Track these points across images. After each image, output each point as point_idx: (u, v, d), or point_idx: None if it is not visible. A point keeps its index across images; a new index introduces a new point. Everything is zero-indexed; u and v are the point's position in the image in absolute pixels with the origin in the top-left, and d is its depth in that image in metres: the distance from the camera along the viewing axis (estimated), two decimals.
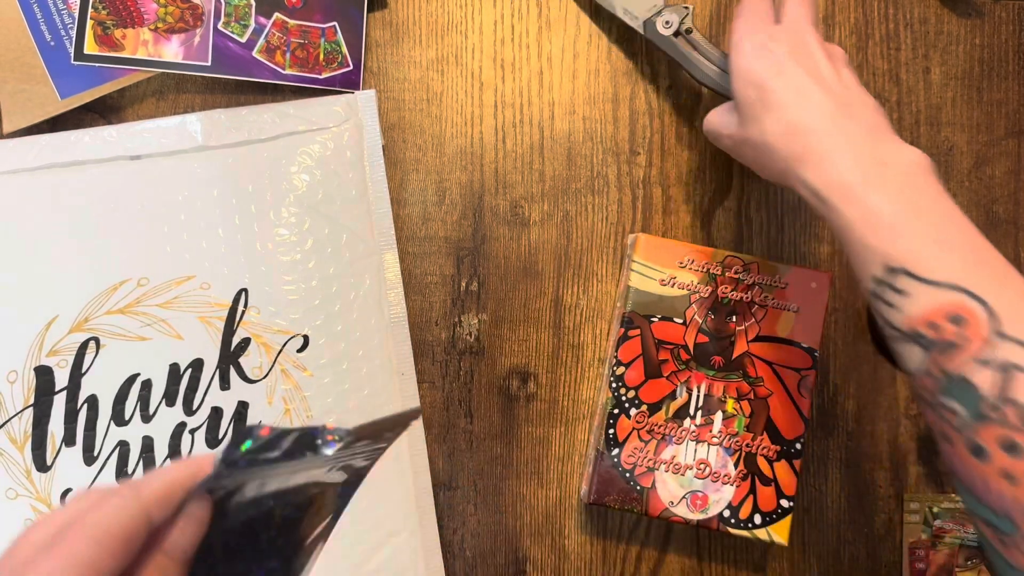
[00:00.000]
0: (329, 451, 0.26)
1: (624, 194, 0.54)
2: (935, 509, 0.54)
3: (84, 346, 0.48)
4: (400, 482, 0.50)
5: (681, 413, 0.50)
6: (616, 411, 0.50)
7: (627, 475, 0.49)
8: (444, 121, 0.54)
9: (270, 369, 0.49)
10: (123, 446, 0.48)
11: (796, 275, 0.51)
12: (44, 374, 0.48)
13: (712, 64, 0.49)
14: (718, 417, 0.50)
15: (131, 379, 0.48)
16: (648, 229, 0.54)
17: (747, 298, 0.50)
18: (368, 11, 0.52)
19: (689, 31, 0.49)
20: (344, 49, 0.52)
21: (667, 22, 0.49)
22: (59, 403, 0.48)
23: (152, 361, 0.48)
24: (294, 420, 0.49)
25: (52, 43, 0.50)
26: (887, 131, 0.39)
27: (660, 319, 0.50)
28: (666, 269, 0.50)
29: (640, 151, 0.54)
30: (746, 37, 0.42)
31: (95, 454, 0.48)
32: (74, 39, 0.50)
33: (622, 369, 0.50)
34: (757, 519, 0.49)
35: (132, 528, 0.25)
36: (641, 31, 0.50)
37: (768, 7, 0.44)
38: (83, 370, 0.48)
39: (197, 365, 0.49)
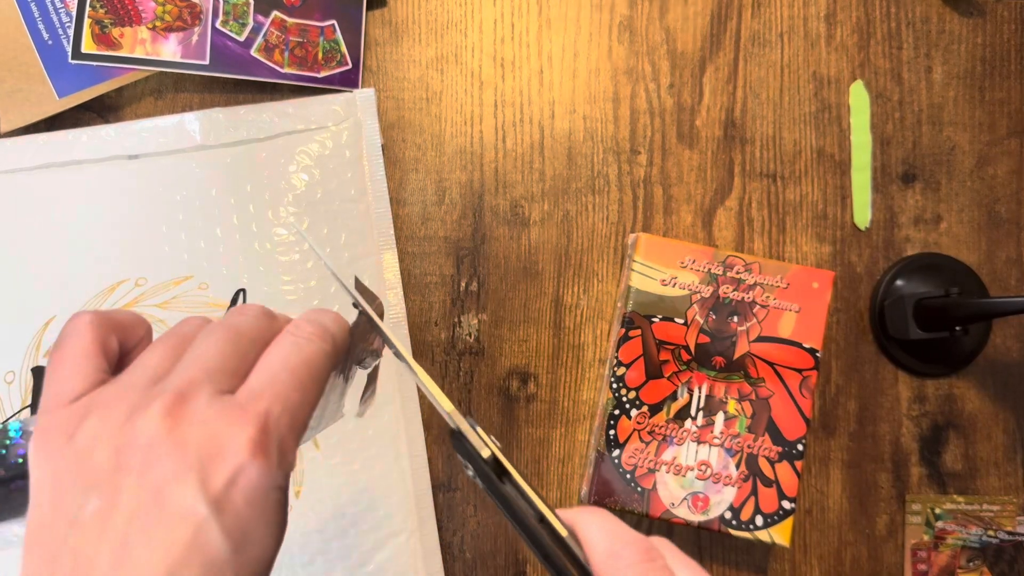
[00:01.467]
0: None
1: (625, 193, 0.54)
2: (937, 510, 0.54)
3: None
4: (400, 483, 0.50)
5: (682, 414, 0.49)
6: (617, 412, 0.50)
7: (628, 476, 0.49)
8: (444, 120, 0.53)
9: None
10: None
11: (798, 275, 0.50)
12: (41, 375, 0.48)
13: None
14: (719, 418, 0.50)
15: None
16: (649, 229, 0.54)
17: (748, 298, 0.50)
18: (367, 9, 0.52)
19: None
20: (343, 48, 0.51)
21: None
22: None
23: None
24: None
25: (49, 42, 0.50)
26: None
27: (661, 319, 0.50)
28: (667, 269, 0.50)
29: (641, 150, 0.54)
30: None
31: None
32: (72, 38, 0.49)
33: (623, 370, 0.50)
34: (759, 520, 0.49)
35: (328, 362, 0.27)
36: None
37: None
38: None
39: None
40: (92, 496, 0.22)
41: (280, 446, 0.24)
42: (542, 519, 0.26)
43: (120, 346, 0.28)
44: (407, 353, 0.30)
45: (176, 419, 0.23)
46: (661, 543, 0.26)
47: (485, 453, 0.27)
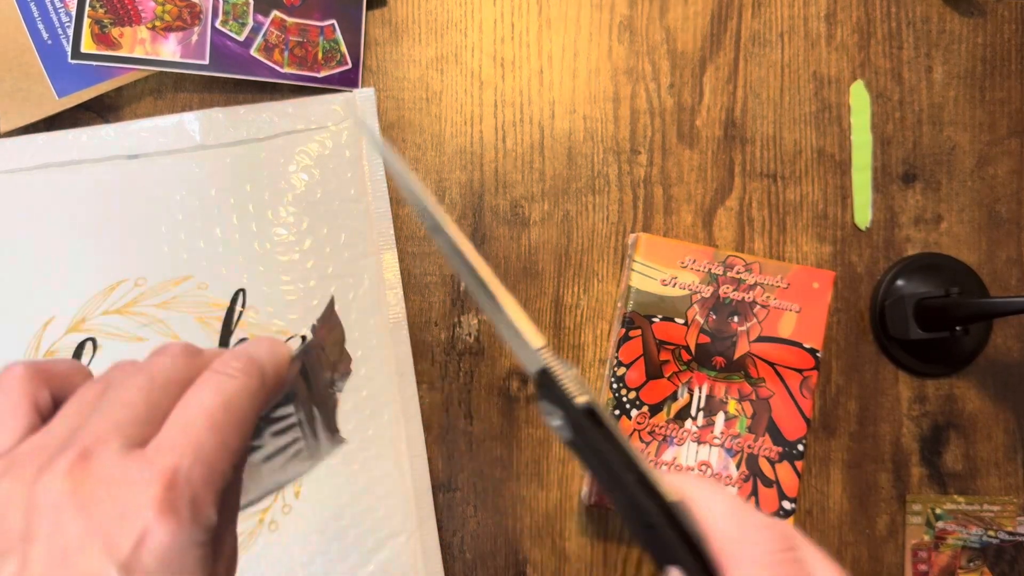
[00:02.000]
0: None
1: (625, 193, 0.54)
2: (938, 511, 0.54)
3: (81, 347, 0.48)
4: (399, 484, 0.50)
5: (682, 414, 0.49)
6: (617, 412, 0.50)
7: None
8: (443, 120, 0.53)
9: None
10: None
11: (798, 275, 0.50)
12: None
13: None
14: (720, 418, 0.49)
15: None
16: (649, 229, 0.54)
17: (749, 298, 0.50)
18: (367, 9, 0.52)
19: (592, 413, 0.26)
20: (343, 47, 0.51)
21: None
22: None
23: None
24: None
25: (49, 41, 0.49)
26: None
27: (661, 319, 0.50)
28: (667, 269, 0.50)
29: (641, 150, 0.54)
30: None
31: None
32: (71, 37, 0.49)
33: (623, 370, 0.50)
34: None
35: (262, 396, 0.26)
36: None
37: None
38: None
39: None
40: (7, 562, 0.22)
41: (193, 502, 0.22)
42: (644, 482, 0.23)
43: (54, 398, 0.26)
44: (489, 273, 0.27)
45: (79, 479, 0.22)
46: (795, 533, 0.23)
47: (581, 400, 0.24)
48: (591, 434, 0.24)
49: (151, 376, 0.25)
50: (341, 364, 0.32)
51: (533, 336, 0.25)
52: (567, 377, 0.25)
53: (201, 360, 0.26)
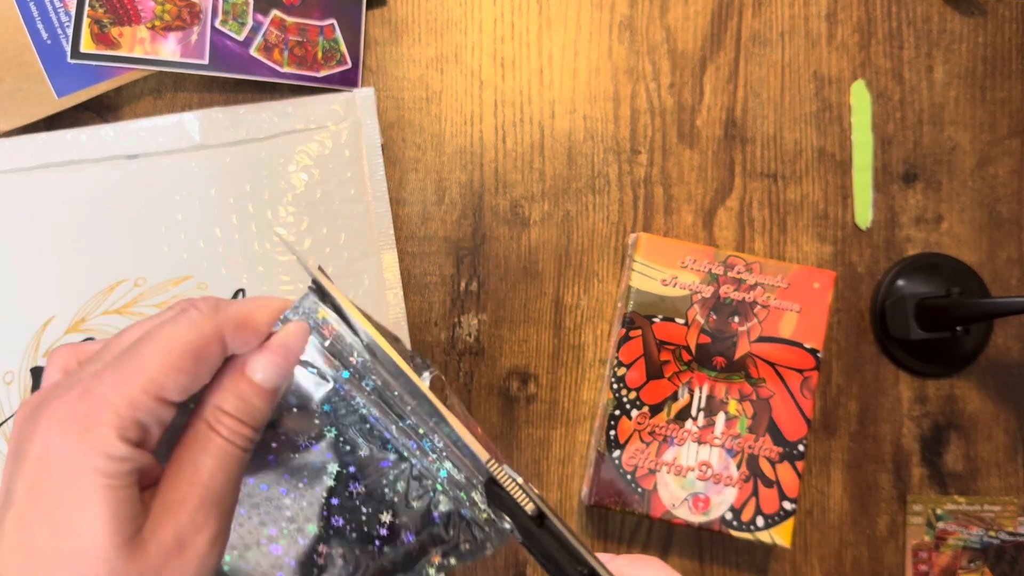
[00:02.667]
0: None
1: (625, 193, 0.54)
2: (938, 511, 0.54)
3: None
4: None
5: (683, 414, 0.49)
6: (617, 412, 0.49)
7: (628, 477, 0.49)
8: (443, 120, 0.53)
9: None
10: None
11: (799, 275, 0.50)
12: (40, 375, 0.48)
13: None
14: (720, 418, 0.49)
15: None
16: (649, 229, 0.54)
17: (749, 298, 0.50)
18: (367, 8, 0.52)
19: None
20: (342, 47, 0.51)
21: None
22: None
23: None
24: None
25: (48, 41, 0.49)
26: None
27: (662, 319, 0.50)
28: (667, 269, 0.50)
29: (641, 150, 0.54)
30: None
31: None
32: (71, 37, 0.49)
33: (623, 370, 0.50)
34: (759, 521, 0.49)
35: (202, 344, 0.25)
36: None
37: None
38: None
39: None
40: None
41: (88, 416, 0.23)
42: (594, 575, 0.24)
43: None
44: (428, 391, 0.27)
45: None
46: None
47: (529, 507, 0.25)
48: (540, 537, 0.25)
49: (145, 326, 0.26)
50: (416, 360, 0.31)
51: (480, 451, 0.26)
52: (514, 486, 0.25)
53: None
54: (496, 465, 0.26)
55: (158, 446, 0.25)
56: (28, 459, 0.23)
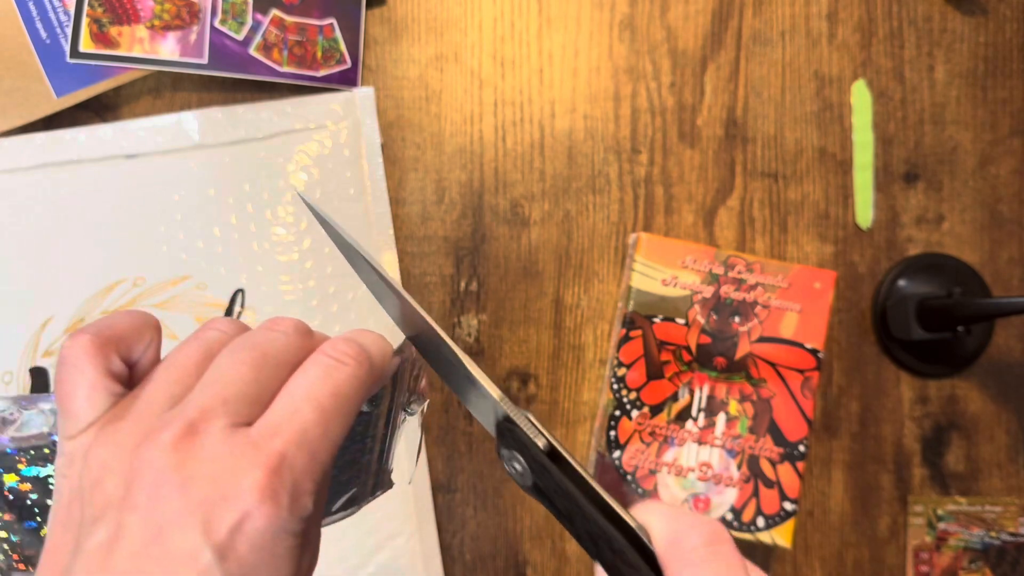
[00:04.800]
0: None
1: (625, 193, 0.54)
2: (939, 512, 0.53)
3: None
4: (399, 485, 0.50)
5: (683, 415, 0.49)
6: (617, 413, 0.49)
7: (629, 477, 0.49)
8: (443, 119, 0.53)
9: None
10: None
11: (799, 275, 0.50)
12: (39, 375, 0.48)
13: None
14: (721, 419, 0.49)
15: None
16: (650, 228, 0.54)
17: (750, 298, 0.50)
18: (366, 8, 0.52)
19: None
20: (342, 46, 0.51)
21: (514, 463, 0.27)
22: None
23: None
24: None
25: (48, 40, 0.49)
26: None
27: (662, 320, 0.50)
28: (668, 269, 0.50)
29: (642, 149, 0.54)
30: None
31: None
32: (70, 36, 0.49)
33: (623, 370, 0.50)
34: (760, 522, 0.49)
35: (367, 390, 0.25)
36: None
37: None
38: None
39: None
40: (99, 528, 0.22)
41: (293, 489, 0.22)
42: (608, 512, 0.24)
43: (126, 360, 0.26)
44: (446, 336, 0.27)
45: (184, 454, 0.21)
46: (723, 529, 0.24)
47: (541, 443, 0.25)
48: (554, 473, 0.25)
49: (264, 352, 0.24)
50: (421, 379, 0.31)
51: (492, 387, 0.26)
52: (526, 423, 0.25)
53: (312, 341, 0.26)
54: (508, 403, 0.26)
55: None
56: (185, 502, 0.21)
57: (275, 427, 0.23)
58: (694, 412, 0.49)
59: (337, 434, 0.24)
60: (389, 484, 0.31)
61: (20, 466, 0.27)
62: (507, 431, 0.26)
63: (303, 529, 0.23)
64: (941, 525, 0.53)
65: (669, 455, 0.49)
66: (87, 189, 0.48)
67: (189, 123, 0.49)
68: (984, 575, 0.53)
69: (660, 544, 0.23)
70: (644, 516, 0.24)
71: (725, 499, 0.49)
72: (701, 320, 0.50)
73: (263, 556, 0.21)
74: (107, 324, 0.25)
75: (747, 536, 0.48)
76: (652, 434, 0.49)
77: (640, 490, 0.48)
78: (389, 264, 0.51)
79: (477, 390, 0.26)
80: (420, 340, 0.29)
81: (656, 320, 0.50)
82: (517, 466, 0.26)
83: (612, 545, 0.24)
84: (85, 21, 0.49)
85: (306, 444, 0.23)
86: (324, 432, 0.23)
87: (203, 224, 0.49)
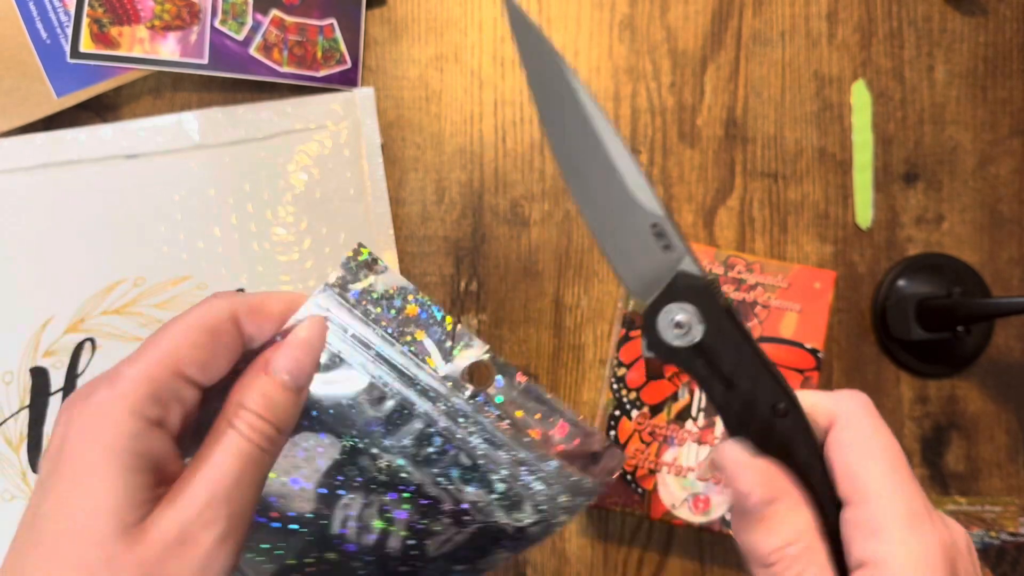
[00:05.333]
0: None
1: None
2: (939, 511, 0.53)
3: (80, 347, 0.48)
4: None
5: (683, 415, 0.49)
6: (617, 413, 0.49)
7: (628, 477, 0.49)
8: (443, 119, 0.53)
9: None
10: None
11: (799, 275, 0.50)
12: (40, 375, 0.48)
13: None
14: (720, 419, 0.49)
15: None
16: None
17: (750, 298, 0.50)
18: (366, 8, 0.52)
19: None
20: (342, 46, 0.51)
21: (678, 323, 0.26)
22: (55, 404, 0.47)
23: None
24: None
25: (48, 40, 0.49)
26: None
27: None
28: None
29: (642, 149, 0.54)
30: None
31: None
32: (70, 37, 0.49)
33: (623, 370, 0.50)
34: None
35: (216, 321, 0.26)
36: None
37: None
38: (79, 371, 0.48)
39: None
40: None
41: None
42: (775, 374, 0.25)
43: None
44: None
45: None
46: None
47: (723, 301, 0.25)
48: (733, 327, 0.25)
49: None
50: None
51: (680, 241, 0.26)
52: (710, 278, 0.26)
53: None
54: (692, 256, 0.26)
55: (183, 439, 0.25)
56: (56, 439, 0.23)
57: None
58: (694, 412, 0.49)
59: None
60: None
61: None
62: (685, 284, 0.26)
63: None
64: None
65: (669, 455, 0.49)
66: (87, 189, 0.48)
67: (189, 123, 0.49)
68: (984, 575, 0.53)
69: (868, 490, 0.23)
70: (849, 420, 0.25)
71: (725, 498, 0.49)
72: None
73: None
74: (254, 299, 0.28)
75: None
76: (652, 434, 0.49)
77: (640, 490, 0.49)
78: (389, 264, 0.51)
79: (649, 242, 0.26)
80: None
81: None
82: (683, 319, 0.25)
83: (777, 405, 0.24)
84: (85, 21, 0.49)
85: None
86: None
87: (203, 224, 0.49)
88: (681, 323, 0.26)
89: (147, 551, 0.22)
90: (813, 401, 0.25)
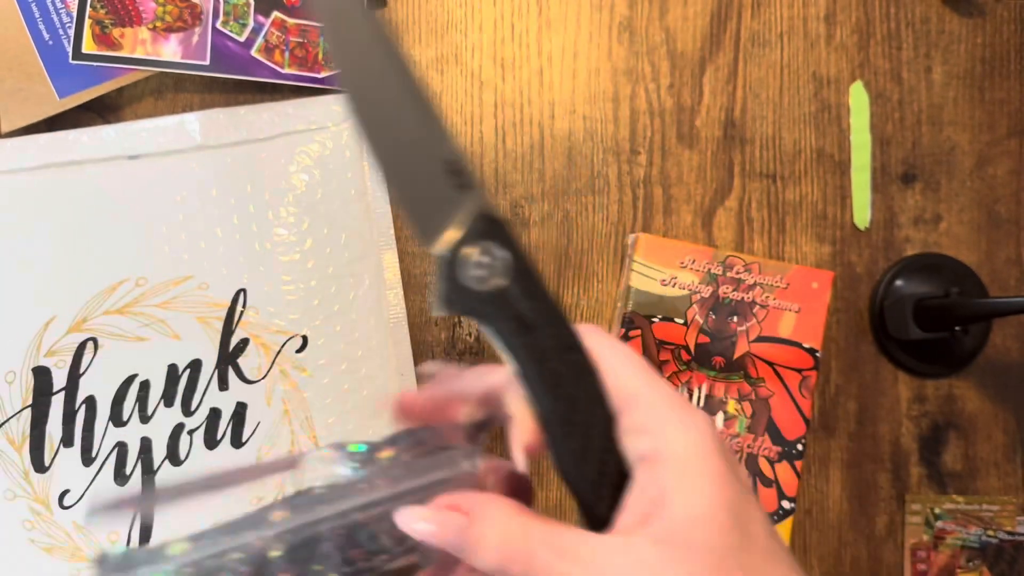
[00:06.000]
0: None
1: (624, 194, 0.54)
2: (937, 510, 0.54)
3: (82, 346, 0.48)
4: None
5: None
6: None
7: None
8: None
9: (268, 370, 0.49)
10: (121, 447, 0.48)
11: (797, 275, 0.50)
12: (42, 375, 0.48)
13: None
14: (719, 418, 0.50)
15: (129, 380, 0.48)
16: (649, 229, 0.54)
17: (748, 298, 0.50)
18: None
19: None
20: None
21: None
22: (57, 404, 0.48)
23: (150, 362, 0.48)
24: (292, 420, 0.49)
25: (50, 42, 0.50)
26: None
27: (661, 319, 0.50)
28: (667, 269, 0.50)
29: (641, 150, 0.54)
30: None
31: (93, 455, 0.48)
32: (72, 38, 0.49)
33: None
34: None
35: None
36: None
37: None
38: (81, 371, 0.48)
39: (195, 366, 0.48)
40: None
41: None
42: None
43: None
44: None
45: None
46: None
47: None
48: (533, 270, 0.24)
49: None
50: None
51: (475, 178, 0.25)
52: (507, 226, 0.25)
53: None
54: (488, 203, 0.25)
55: None
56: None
57: None
58: None
59: None
60: None
61: None
62: (487, 224, 0.25)
63: None
64: (938, 524, 0.54)
65: None
66: (89, 190, 0.49)
67: (191, 124, 0.49)
68: (981, 574, 0.54)
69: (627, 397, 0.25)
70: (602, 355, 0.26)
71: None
72: (700, 320, 0.50)
73: None
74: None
75: None
76: None
77: None
78: (389, 264, 0.51)
79: (444, 181, 0.25)
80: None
81: (655, 320, 0.50)
82: (487, 261, 0.24)
83: (572, 344, 0.24)
84: (87, 23, 0.49)
85: None
86: None
87: (205, 224, 0.49)
88: (483, 265, 0.24)
89: None
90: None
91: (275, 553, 0.25)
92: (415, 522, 0.25)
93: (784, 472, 0.49)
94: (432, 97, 0.26)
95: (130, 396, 0.48)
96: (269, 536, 0.25)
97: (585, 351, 0.25)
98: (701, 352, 0.50)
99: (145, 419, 0.48)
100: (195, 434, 0.48)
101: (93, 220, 0.48)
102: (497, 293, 0.24)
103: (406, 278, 0.52)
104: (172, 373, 0.48)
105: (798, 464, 0.49)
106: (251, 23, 0.51)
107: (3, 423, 0.48)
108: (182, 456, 0.48)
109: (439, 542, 0.25)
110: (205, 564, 0.24)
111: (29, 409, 0.48)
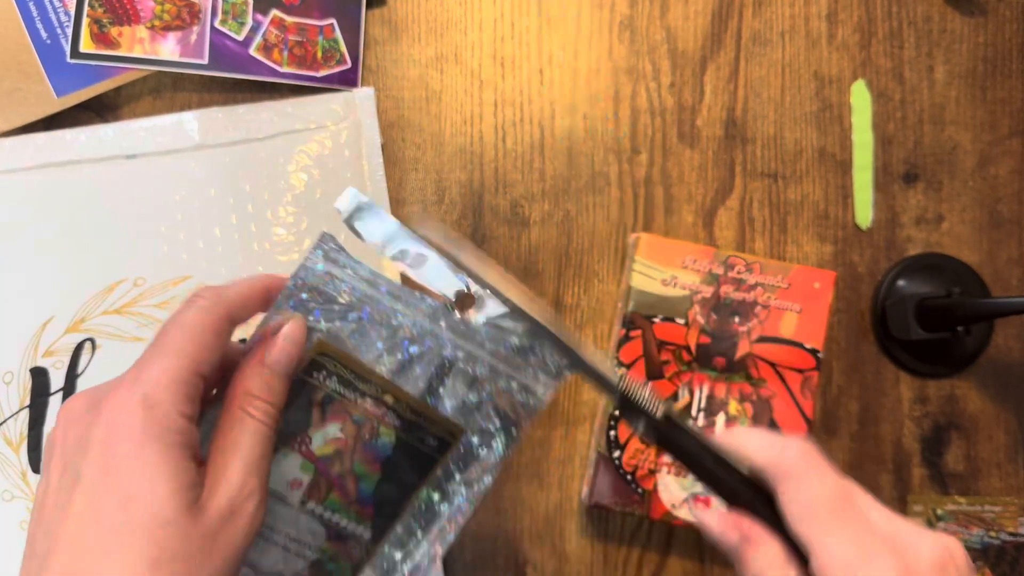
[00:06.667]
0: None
1: (625, 193, 0.54)
2: (939, 511, 0.54)
3: (80, 347, 0.48)
4: None
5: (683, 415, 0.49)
6: (617, 413, 0.49)
7: (628, 477, 0.49)
8: (443, 119, 0.53)
9: None
10: None
11: (799, 275, 0.50)
12: (40, 375, 0.48)
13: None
14: (720, 419, 0.49)
15: None
16: (650, 229, 0.54)
17: (750, 298, 0.50)
18: (367, 8, 0.52)
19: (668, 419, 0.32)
20: (342, 47, 0.51)
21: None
22: (55, 404, 0.48)
23: None
24: None
25: (48, 41, 0.49)
26: None
27: (662, 320, 0.50)
28: (668, 269, 0.50)
29: (641, 150, 0.54)
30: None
31: None
32: (70, 37, 0.49)
33: (623, 370, 0.50)
34: None
35: (218, 324, 0.29)
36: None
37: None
38: (79, 371, 0.48)
39: None
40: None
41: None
42: (720, 460, 0.31)
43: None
44: (566, 329, 0.35)
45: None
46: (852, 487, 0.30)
47: (659, 412, 0.32)
48: (671, 432, 0.32)
49: None
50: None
51: (611, 370, 0.32)
52: (644, 394, 0.32)
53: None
54: (626, 380, 0.32)
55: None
56: (94, 441, 0.26)
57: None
58: (694, 412, 0.49)
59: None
60: None
61: None
62: (628, 404, 0.32)
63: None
64: (940, 525, 0.54)
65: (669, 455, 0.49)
66: (88, 189, 0.49)
67: (190, 123, 0.49)
68: (983, 575, 0.54)
69: (795, 509, 0.29)
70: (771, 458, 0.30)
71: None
72: (701, 320, 0.50)
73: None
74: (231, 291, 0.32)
75: None
76: None
77: (640, 490, 0.49)
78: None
79: (597, 371, 0.33)
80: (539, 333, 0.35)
81: (656, 320, 0.50)
82: (639, 428, 0.32)
83: (727, 488, 0.31)
84: (85, 21, 0.49)
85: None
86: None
87: (204, 224, 0.49)
88: (639, 430, 0.33)
89: (208, 524, 0.27)
90: (758, 446, 0.31)
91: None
92: (709, 517, 0.31)
93: None
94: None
95: None
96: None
97: (756, 493, 0.31)
98: (702, 353, 0.50)
99: None
100: None
101: (91, 220, 0.48)
102: (656, 440, 0.33)
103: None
104: None
105: None
106: (249, 22, 0.50)
107: (0, 424, 0.47)
108: None
109: (719, 540, 0.31)
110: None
111: (27, 410, 0.47)
